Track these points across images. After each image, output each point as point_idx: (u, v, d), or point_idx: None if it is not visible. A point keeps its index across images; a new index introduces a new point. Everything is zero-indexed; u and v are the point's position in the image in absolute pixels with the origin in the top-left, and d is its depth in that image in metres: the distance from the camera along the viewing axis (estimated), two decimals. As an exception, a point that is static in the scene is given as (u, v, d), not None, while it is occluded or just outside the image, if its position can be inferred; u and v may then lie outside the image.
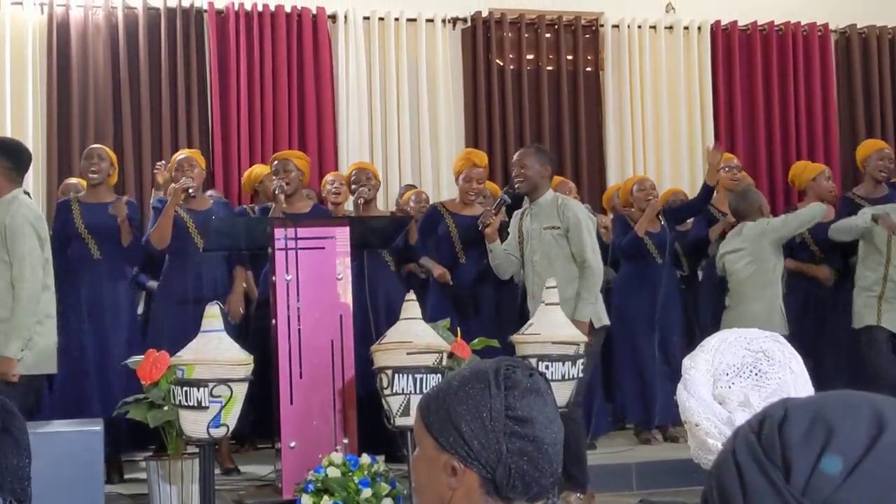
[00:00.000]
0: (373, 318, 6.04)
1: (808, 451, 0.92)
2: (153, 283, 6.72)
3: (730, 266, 6.77)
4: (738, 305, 6.69)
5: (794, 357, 1.60)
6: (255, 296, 6.68)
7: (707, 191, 7.09)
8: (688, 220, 7.68)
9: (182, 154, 6.64)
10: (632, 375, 7.14)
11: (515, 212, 6.21)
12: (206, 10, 8.60)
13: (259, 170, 7.62)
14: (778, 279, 6.73)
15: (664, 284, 7.06)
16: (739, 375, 1.59)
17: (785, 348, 1.61)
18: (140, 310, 6.78)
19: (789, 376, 1.58)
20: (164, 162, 7.59)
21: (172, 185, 6.41)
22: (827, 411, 0.95)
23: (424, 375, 4.84)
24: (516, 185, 6.03)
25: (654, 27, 9.51)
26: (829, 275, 7.26)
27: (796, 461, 0.92)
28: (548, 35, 9.37)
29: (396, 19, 8.94)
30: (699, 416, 1.61)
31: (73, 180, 7.08)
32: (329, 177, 7.33)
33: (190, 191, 6.23)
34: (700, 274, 7.77)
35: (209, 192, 7.25)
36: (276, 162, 6.61)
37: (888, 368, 6.55)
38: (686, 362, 1.66)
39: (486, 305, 6.71)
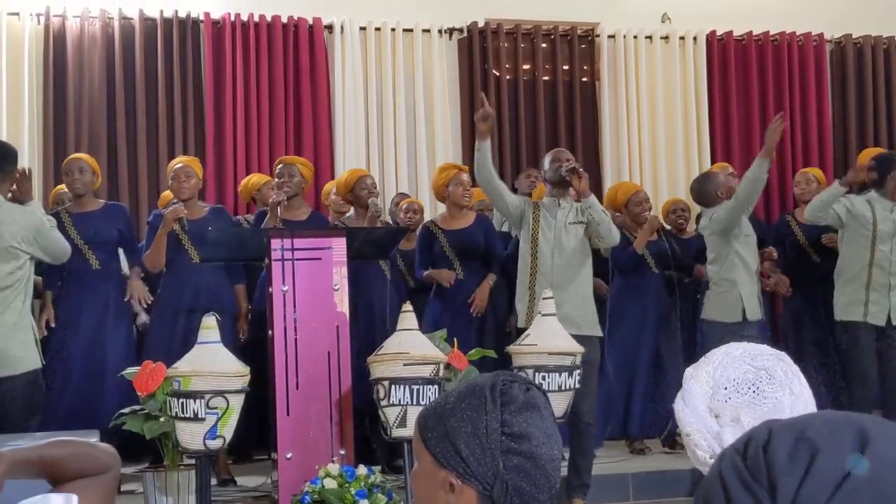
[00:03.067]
0: (370, 328, 6.05)
1: (792, 471, 0.93)
2: (143, 318, 6.72)
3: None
4: (709, 295, 6.62)
5: (797, 378, 1.61)
6: (245, 308, 6.69)
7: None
8: (688, 230, 7.72)
9: (179, 163, 6.56)
10: (625, 386, 7.14)
11: (529, 200, 6.14)
12: (202, 21, 8.61)
13: (257, 178, 7.63)
14: (735, 267, 6.45)
15: (661, 294, 7.07)
16: (737, 391, 1.60)
17: (789, 369, 1.61)
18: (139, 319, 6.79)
19: (787, 398, 1.58)
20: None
21: (166, 210, 6.39)
22: (810, 431, 0.95)
23: (421, 386, 4.84)
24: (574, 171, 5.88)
25: (649, 37, 9.52)
26: (785, 290, 7.34)
27: (782, 482, 0.93)
28: (544, 45, 9.38)
29: (393, 30, 8.95)
30: (691, 427, 1.62)
31: (64, 189, 7.04)
32: (333, 186, 7.31)
33: (183, 219, 6.22)
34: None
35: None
36: (280, 166, 6.60)
37: (871, 371, 6.47)
38: (688, 372, 1.67)
39: (487, 317, 6.71)
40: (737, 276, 6.45)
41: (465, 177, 6.85)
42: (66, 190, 6.72)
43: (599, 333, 5.90)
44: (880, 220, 6.54)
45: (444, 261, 6.82)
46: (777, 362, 1.61)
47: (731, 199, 6.45)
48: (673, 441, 7.07)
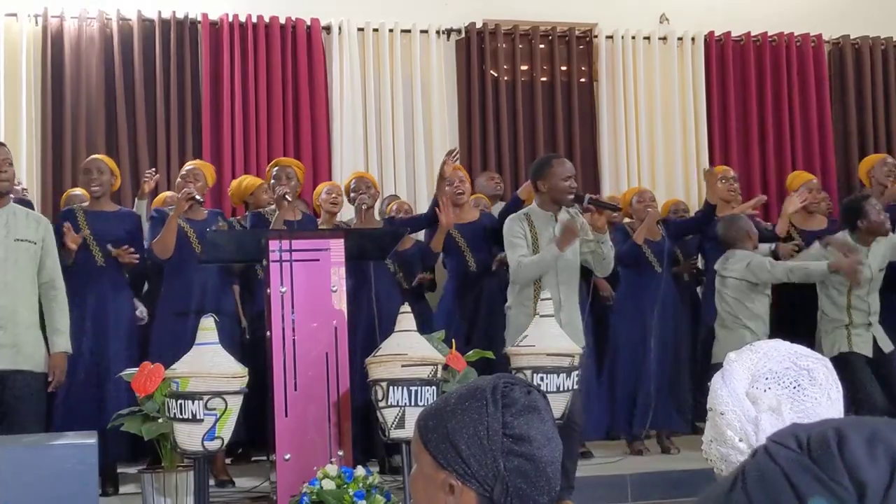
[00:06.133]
0: (378, 326, 6.04)
1: (877, 471, 0.94)
2: (141, 311, 6.71)
3: (719, 290, 6.84)
4: (723, 334, 6.72)
5: (836, 385, 1.62)
6: (240, 312, 6.71)
7: (708, 209, 7.09)
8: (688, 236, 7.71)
9: (189, 164, 6.66)
10: (628, 384, 7.15)
11: (515, 218, 5.86)
12: (200, 22, 8.61)
13: (250, 180, 7.58)
14: (758, 314, 6.66)
15: (663, 292, 7.07)
16: (779, 384, 1.60)
17: (830, 374, 1.62)
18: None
19: (825, 401, 1.59)
20: (153, 170, 7.56)
21: (169, 193, 6.42)
22: (881, 432, 0.97)
23: (419, 388, 4.83)
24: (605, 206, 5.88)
25: (647, 38, 9.53)
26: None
27: (870, 481, 0.94)
28: (542, 46, 9.39)
29: (391, 30, 8.96)
30: (727, 407, 1.61)
31: (77, 191, 7.00)
32: (325, 186, 7.32)
33: (197, 198, 6.21)
34: (700, 289, 7.81)
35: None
36: (276, 168, 6.61)
37: (877, 395, 6.48)
38: (731, 356, 1.68)
39: (498, 311, 6.70)
40: (748, 327, 6.60)
41: (459, 173, 6.97)
42: (79, 192, 6.72)
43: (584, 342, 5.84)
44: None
45: (457, 252, 6.86)
46: (821, 366, 1.62)
47: (755, 243, 6.78)
48: (667, 444, 7.08)
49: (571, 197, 5.71)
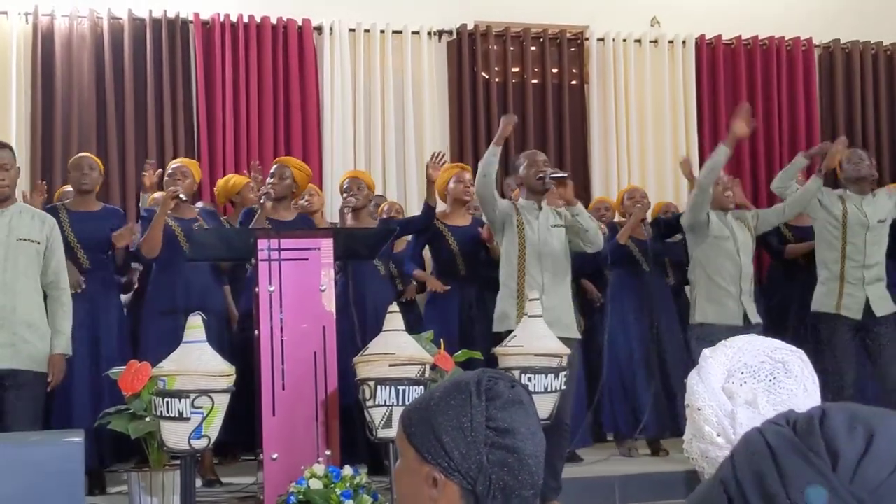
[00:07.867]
0: (361, 326, 6.04)
1: (853, 444, 0.99)
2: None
3: None
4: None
5: (812, 377, 1.63)
6: (234, 310, 6.69)
7: None
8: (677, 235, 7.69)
9: (177, 163, 6.66)
10: (618, 384, 7.14)
11: (513, 204, 6.14)
12: (191, 21, 8.59)
13: (236, 179, 7.57)
14: (694, 269, 6.55)
15: (654, 291, 7.07)
16: (754, 378, 1.61)
17: (805, 367, 1.63)
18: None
19: (801, 392, 1.60)
20: (152, 161, 7.52)
21: (158, 193, 6.41)
22: (862, 413, 1.03)
23: (407, 387, 4.84)
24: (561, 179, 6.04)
25: (639, 41, 9.54)
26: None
27: (843, 452, 0.99)
28: (533, 48, 9.39)
29: (382, 31, 8.95)
30: (703, 402, 1.62)
31: (69, 188, 6.97)
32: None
33: (181, 196, 6.19)
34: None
35: (198, 204, 7.22)
36: (275, 166, 6.63)
37: (850, 371, 6.44)
38: (706, 352, 1.69)
39: (488, 315, 6.72)
40: (695, 278, 6.53)
41: (467, 175, 6.99)
42: (70, 188, 6.68)
43: (578, 335, 5.97)
44: (850, 214, 6.59)
45: (449, 258, 6.85)
46: (796, 359, 1.63)
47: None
48: (657, 446, 7.08)
49: (541, 179, 5.99)
